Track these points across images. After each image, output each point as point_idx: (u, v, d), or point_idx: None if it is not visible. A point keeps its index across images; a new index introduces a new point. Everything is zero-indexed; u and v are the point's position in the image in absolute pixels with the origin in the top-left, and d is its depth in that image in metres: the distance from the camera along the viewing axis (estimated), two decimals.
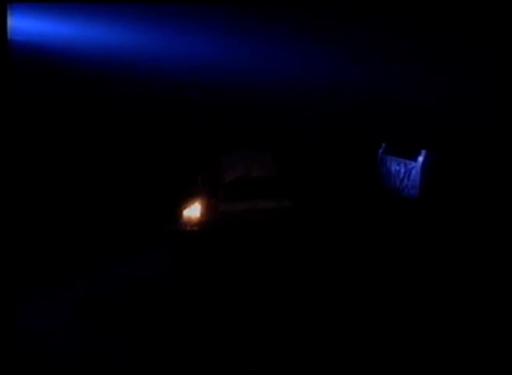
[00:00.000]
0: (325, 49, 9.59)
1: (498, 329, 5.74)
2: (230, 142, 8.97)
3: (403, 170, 8.69)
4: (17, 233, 7.16)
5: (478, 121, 8.53)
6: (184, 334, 5.80)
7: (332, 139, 9.29)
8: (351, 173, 9.00)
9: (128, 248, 7.47)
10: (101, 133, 9.30)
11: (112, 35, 9.44)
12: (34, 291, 6.47)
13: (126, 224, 8.05)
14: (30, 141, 8.77)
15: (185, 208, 8.04)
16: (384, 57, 9.42)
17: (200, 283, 6.77)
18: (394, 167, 8.83)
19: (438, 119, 8.90)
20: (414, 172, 8.52)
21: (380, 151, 9.09)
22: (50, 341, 5.59)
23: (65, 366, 5.26)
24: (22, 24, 8.75)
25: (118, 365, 5.32)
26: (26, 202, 8.12)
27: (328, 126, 9.27)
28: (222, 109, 9.46)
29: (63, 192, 8.64)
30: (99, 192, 8.69)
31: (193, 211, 8.01)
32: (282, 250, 7.36)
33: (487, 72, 8.70)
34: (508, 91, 8.61)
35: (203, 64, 9.61)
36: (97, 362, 5.32)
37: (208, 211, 7.98)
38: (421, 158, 8.43)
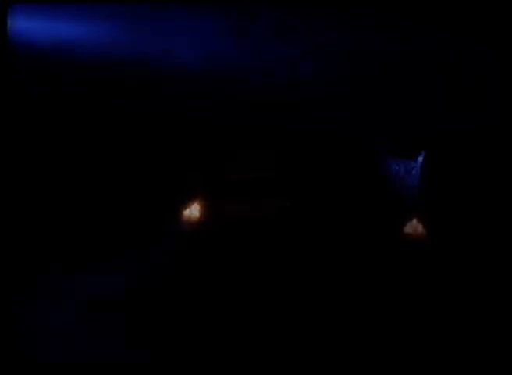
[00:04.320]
0: (325, 50, 9.65)
1: (498, 331, 5.79)
2: (231, 142, 9.02)
3: (402, 170, 8.74)
4: (19, 233, 7.22)
5: (478, 121, 8.59)
6: (185, 334, 5.85)
7: (333, 139, 9.35)
8: (351, 173, 9.07)
9: (128, 248, 7.52)
10: (100, 134, 9.36)
11: (112, 34, 9.51)
12: (36, 291, 6.52)
13: (125, 224, 8.10)
14: (29, 141, 8.85)
15: (185, 208, 8.07)
16: (383, 57, 9.48)
17: (201, 284, 6.80)
18: (394, 167, 8.88)
19: (438, 119, 8.96)
20: (414, 172, 8.56)
21: (380, 151, 9.15)
22: (52, 341, 5.64)
23: (67, 366, 5.32)
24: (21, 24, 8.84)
25: (119, 363, 5.38)
26: (28, 203, 8.19)
27: (329, 126, 9.33)
28: (222, 109, 9.51)
29: (64, 193, 8.71)
30: (99, 192, 8.75)
31: (193, 211, 8.03)
32: (282, 250, 7.40)
33: (487, 72, 8.76)
34: (508, 91, 8.67)
35: (203, 63, 9.67)
36: (99, 362, 5.37)
37: (208, 211, 8.01)
38: (421, 158, 8.48)
